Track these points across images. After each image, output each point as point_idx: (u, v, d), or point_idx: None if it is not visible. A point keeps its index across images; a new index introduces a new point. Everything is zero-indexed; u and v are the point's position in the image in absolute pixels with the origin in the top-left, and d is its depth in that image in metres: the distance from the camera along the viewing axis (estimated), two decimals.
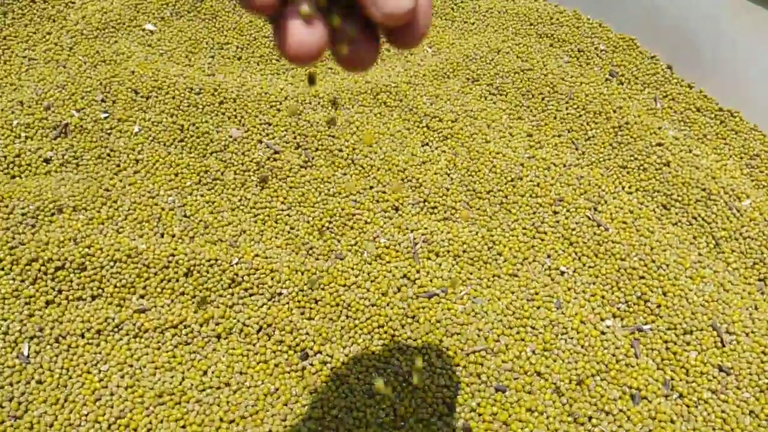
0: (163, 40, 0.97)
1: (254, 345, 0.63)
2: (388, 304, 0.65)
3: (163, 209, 0.73)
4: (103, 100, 0.84)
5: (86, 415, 0.58)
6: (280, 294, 0.66)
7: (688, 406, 0.59)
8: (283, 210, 0.75)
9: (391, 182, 0.78)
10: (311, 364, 0.61)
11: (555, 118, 0.88)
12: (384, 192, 0.77)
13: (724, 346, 0.62)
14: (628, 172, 0.81)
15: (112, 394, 0.59)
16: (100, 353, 0.62)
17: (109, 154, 0.80)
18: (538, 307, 0.65)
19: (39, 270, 0.66)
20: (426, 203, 0.76)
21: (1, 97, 0.85)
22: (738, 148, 0.84)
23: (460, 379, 0.59)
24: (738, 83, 0.87)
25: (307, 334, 0.63)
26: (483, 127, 0.85)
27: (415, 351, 0.61)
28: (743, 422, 0.57)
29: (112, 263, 0.67)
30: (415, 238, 0.71)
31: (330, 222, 0.74)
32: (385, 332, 0.63)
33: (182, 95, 0.85)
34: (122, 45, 0.94)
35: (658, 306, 0.66)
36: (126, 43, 0.95)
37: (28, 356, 0.61)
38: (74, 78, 0.86)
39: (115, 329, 0.64)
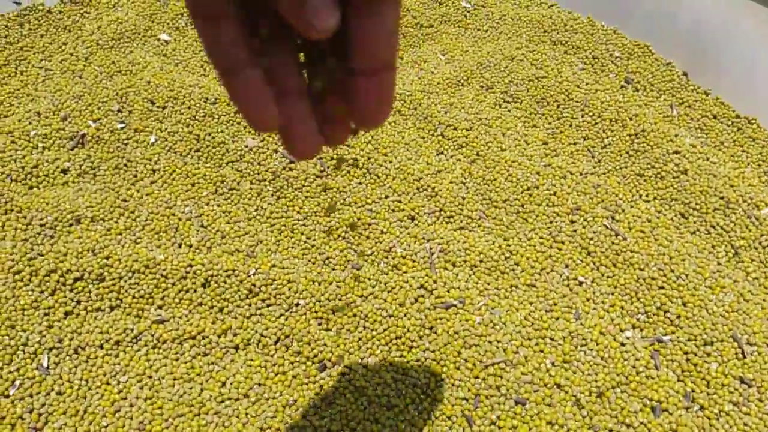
0: (178, 50, 0.97)
1: (272, 356, 0.63)
2: (405, 315, 0.65)
3: (180, 219, 0.74)
4: (119, 111, 0.85)
5: (106, 427, 0.58)
6: (297, 305, 0.66)
7: (709, 419, 0.58)
8: (299, 220, 0.75)
9: (407, 191, 0.78)
10: (329, 376, 0.61)
11: (570, 125, 0.87)
12: (400, 201, 0.77)
13: (745, 357, 0.61)
14: (645, 180, 0.80)
15: (131, 406, 0.59)
16: (119, 364, 0.62)
17: (126, 165, 0.80)
18: (557, 318, 0.65)
19: (58, 281, 0.66)
20: (442, 212, 0.76)
21: (19, 107, 0.86)
22: (756, 156, 0.83)
23: (480, 392, 0.59)
24: (755, 89, 0.87)
25: (325, 345, 0.63)
26: (498, 135, 0.85)
27: (433, 362, 0.61)
28: None
29: (130, 274, 0.67)
30: (431, 248, 0.71)
31: (346, 232, 0.74)
32: (403, 343, 0.63)
33: (198, 105, 0.85)
34: (138, 55, 0.95)
35: (678, 317, 0.65)
36: (141, 53, 0.95)
37: (47, 367, 0.62)
38: (90, 88, 0.87)
39: (134, 340, 0.64)
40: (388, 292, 0.67)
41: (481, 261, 0.70)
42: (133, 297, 0.66)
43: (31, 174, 0.77)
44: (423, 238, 0.72)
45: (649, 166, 0.81)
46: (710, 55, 0.91)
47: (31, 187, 0.77)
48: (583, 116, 0.88)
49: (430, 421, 0.58)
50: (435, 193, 0.77)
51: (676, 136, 0.84)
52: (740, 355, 0.61)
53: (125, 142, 0.82)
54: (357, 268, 0.69)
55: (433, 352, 0.62)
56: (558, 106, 0.89)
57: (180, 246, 0.71)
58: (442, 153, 0.84)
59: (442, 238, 0.72)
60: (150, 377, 0.62)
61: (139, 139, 0.82)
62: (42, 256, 0.68)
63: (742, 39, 0.88)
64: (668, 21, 0.96)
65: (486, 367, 0.60)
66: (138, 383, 0.61)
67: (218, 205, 0.76)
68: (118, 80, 0.89)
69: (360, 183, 0.79)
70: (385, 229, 0.74)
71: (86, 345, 0.63)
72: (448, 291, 0.67)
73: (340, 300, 0.66)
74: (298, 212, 0.76)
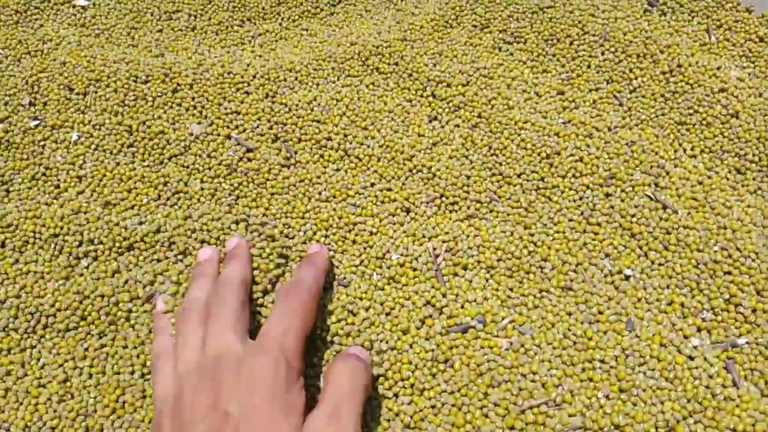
0: (98, 16, 0.79)
1: None
2: (411, 346, 0.51)
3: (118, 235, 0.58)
4: (31, 104, 0.68)
5: None
6: None
7: None
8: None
9: (397, 175, 0.63)
10: None
11: (589, 67, 0.71)
12: (390, 189, 0.62)
13: None
14: (688, 130, 0.65)
15: None
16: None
17: (44, 173, 0.64)
18: (605, 332, 0.51)
19: None
20: (443, 199, 0.61)
21: None
22: None
23: None
24: None
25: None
26: (502, 89, 0.69)
27: (453, 409, 0.48)
28: None
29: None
30: (435, 249, 0.56)
31: (326, 236, 0.59)
32: (412, 385, 0.49)
33: (126, 86, 0.68)
34: (49, 29, 0.76)
35: (754, 311, 0.51)
36: (54, 26, 0.77)
37: None
38: None
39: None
40: (386, 314, 0.53)
41: (498, 260, 0.56)
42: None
43: None
44: (423, 237, 0.58)
45: (691, 110, 0.66)
46: None
47: None
48: (603, 53, 0.71)
49: None
50: (432, 174, 0.62)
51: (719, 68, 0.68)
52: None
53: (41, 143, 0.66)
54: (344, 285, 0.55)
55: (451, 394, 0.48)
56: (571, 43, 0.73)
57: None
58: (435, 119, 0.68)
59: (447, 233, 0.58)
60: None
61: (59, 137, 0.66)
62: None
63: None
64: None
65: (523, 412, 0.47)
66: None
67: (165, 216, 0.61)
68: (26, 64, 0.71)
69: (337, 169, 0.64)
70: (374, 229, 0.59)
71: (10, 426, 0.50)
72: (462, 306, 0.52)
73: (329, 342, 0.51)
74: (264, 215, 0.61)
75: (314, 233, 0.59)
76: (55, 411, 0.51)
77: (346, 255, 0.57)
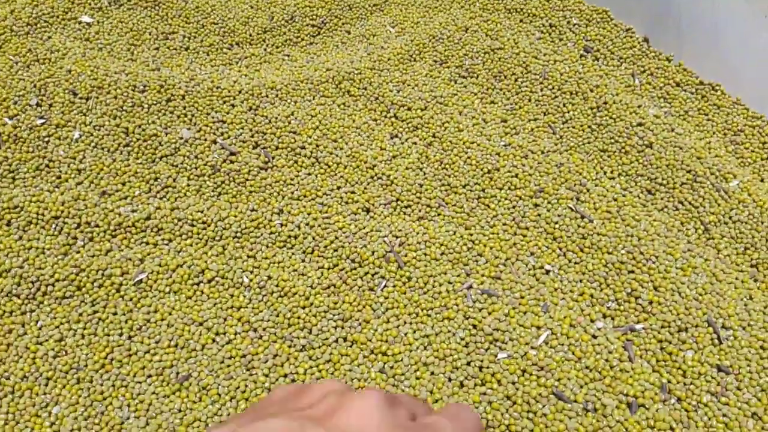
0: (102, 32, 0.89)
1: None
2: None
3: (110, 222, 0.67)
4: (38, 104, 0.76)
5: None
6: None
7: (687, 411, 0.55)
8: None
9: (360, 180, 0.72)
10: None
11: (530, 100, 0.83)
12: (353, 192, 0.71)
13: (721, 342, 0.58)
14: (609, 156, 0.76)
15: None
16: (49, 394, 0.56)
17: (48, 165, 0.72)
18: (525, 312, 0.61)
19: None
20: (399, 202, 0.71)
21: None
22: (721, 124, 0.80)
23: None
24: (718, 54, 0.83)
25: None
26: (455, 114, 0.80)
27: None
28: (746, 426, 0.54)
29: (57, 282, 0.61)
30: (390, 242, 0.66)
31: (298, 228, 0.68)
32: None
33: (125, 94, 0.77)
34: (57, 41, 0.86)
35: (650, 302, 0.62)
36: (61, 39, 0.86)
37: None
38: (5, 81, 0.78)
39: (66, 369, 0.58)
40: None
41: (442, 253, 0.66)
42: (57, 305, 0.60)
43: None
44: (380, 232, 0.67)
45: (612, 140, 0.77)
46: (671, 19, 0.87)
47: None
48: (542, 90, 0.83)
49: None
50: (390, 182, 0.72)
51: (639, 107, 0.80)
52: (716, 341, 0.59)
53: (46, 139, 0.74)
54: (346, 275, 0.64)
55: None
56: (516, 80, 0.84)
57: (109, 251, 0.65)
58: (396, 136, 0.78)
59: (400, 230, 0.67)
60: (85, 407, 0.55)
61: (62, 135, 0.74)
62: None
63: (703, 0, 0.84)
64: None
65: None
66: (72, 414, 0.55)
67: (155, 207, 0.69)
68: (35, 70, 0.80)
69: (309, 174, 0.73)
70: (338, 224, 0.68)
71: (10, 375, 0.57)
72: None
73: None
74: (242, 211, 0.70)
75: (282, 225, 0.68)
76: (50, 364, 0.58)
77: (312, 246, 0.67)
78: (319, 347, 0.59)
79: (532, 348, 0.58)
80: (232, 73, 0.85)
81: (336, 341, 0.59)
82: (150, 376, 0.57)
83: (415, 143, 0.77)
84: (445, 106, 0.81)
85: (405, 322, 0.60)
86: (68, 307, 0.61)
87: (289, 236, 0.67)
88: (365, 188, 0.72)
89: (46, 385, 0.57)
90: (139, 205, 0.68)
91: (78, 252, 0.65)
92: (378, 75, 0.84)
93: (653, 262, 0.64)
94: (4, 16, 0.88)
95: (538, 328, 0.59)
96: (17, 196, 0.67)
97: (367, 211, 0.70)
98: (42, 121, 0.75)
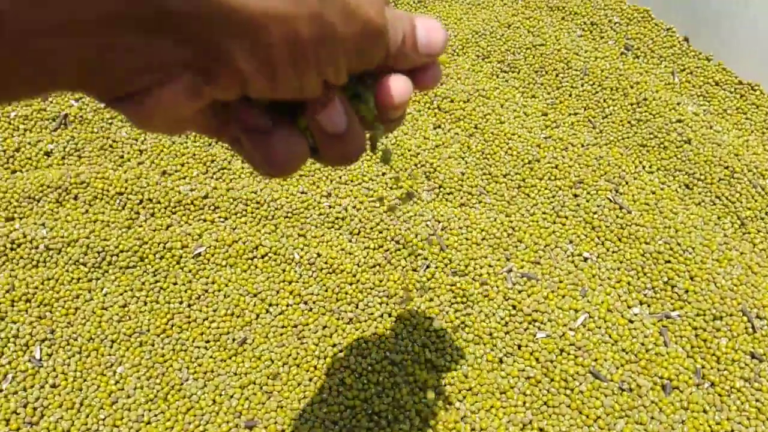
0: None
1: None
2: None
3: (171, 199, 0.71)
4: None
5: (104, 419, 0.56)
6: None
7: (720, 396, 0.57)
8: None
9: (405, 167, 0.76)
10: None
11: (570, 95, 0.85)
12: (398, 178, 0.75)
13: (755, 331, 0.60)
14: (648, 151, 0.78)
15: (128, 397, 0.58)
16: (113, 355, 0.60)
17: (111, 145, 0.77)
18: (563, 296, 0.63)
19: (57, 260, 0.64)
20: (441, 189, 0.74)
21: None
22: (759, 123, 0.81)
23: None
24: (758, 54, 0.85)
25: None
26: (496, 107, 0.83)
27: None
28: None
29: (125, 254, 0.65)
30: (433, 226, 0.69)
31: (345, 210, 0.72)
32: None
33: None
34: None
35: (686, 291, 0.64)
36: None
37: (40, 359, 0.59)
38: None
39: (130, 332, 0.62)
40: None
41: (483, 239, 0.69)
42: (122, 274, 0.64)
43: (12, 158, 0.74)
44: (422, 216, 0.70)
45: (651, 136, 0.79)
46: (711, 19, 0.88)
47: (14, 171, 0.73)
48: (582, 85, 0.85)
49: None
50: (434, 169, 0.75)
51: (678, 104, 0.82)
52: (750, 330, 0.60)
53: (109, 121, 0.79)
54: (389, 261, 0.67)
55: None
56: (557, 75, 0.87)
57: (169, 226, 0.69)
58: (439, 127, 0.81)
59: (442, 215, 0.70)
60: (147, 368, 0.60)
61: (124, 118, 0.79)
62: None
63: (744, 2, 0.85)
64: None
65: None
66: (135, 374, 0.59)
67: (213, 187, 0.73)
68: None
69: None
70: (384, 208, 0.72)
71: (78, 336, 0.61)
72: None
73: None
74: (292, 193, 0.74)
75: (330, 207, 0.71)
76: (115, 328, 0.62)
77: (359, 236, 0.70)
78: (365, 321, 0.62)
79: (570, 329, 0.60)
80: None
81: (381, 316, 0.63)
82: (208, 341, 0.61)
83: (457, 134, 0.80)
84: (487, 99, 0.84)
85: (445, 301, 0.63)
86: (131, 276, 0.66)
87: (337, 218, 0.70)
88: (409, 175, 0.75)
89: (111, 347, 0.61)
90: (197, 185, 0.72)
91: (140, 226, 0.69)
92: None
93: (690, 253, 0.66)
94: None
95: (576, 311, 0.62)
96: (83, 173, 0.72)
97: (411, 196, 0.73)
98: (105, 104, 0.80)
